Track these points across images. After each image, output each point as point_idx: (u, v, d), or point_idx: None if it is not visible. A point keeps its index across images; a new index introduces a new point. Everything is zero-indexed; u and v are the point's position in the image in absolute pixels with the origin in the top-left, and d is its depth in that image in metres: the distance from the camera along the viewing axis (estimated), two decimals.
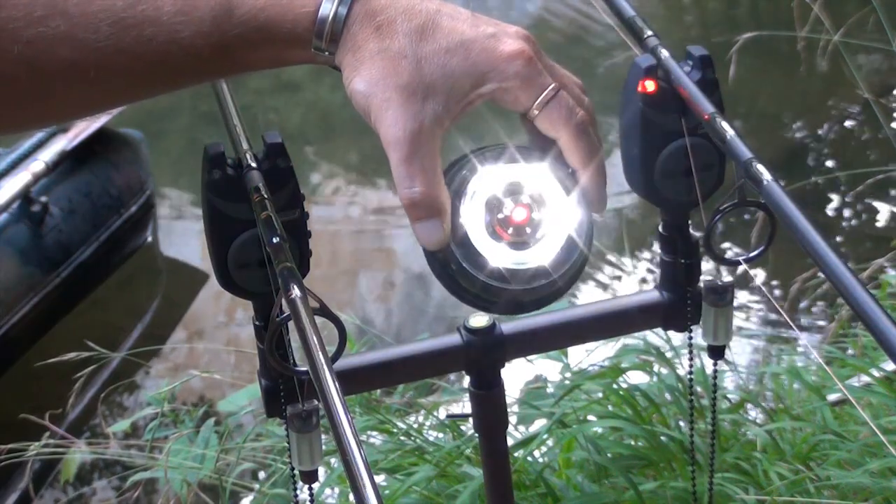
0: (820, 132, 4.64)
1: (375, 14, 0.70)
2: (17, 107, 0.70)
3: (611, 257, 3.76)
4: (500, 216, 0.75)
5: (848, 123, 4.61)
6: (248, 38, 0.69)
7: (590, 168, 0.75)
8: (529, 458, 1.86)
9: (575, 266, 0.77)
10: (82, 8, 0.66)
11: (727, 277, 0.91)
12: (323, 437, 0.87)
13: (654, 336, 2.07)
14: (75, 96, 0.70)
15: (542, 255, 0.75)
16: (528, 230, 0.75)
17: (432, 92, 0.70)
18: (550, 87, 0.72)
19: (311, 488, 0.90)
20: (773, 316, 3.45)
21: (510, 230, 0.75)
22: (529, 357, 1.97)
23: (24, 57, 0.66)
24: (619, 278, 3.75)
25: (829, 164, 4.42)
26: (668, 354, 1.99)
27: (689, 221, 0.91)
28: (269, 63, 0.71)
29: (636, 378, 2.03)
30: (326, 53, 0.70)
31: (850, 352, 2.24)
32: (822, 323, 3.27)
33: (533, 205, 0.75)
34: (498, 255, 0.75)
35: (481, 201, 0.75)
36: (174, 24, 0.67)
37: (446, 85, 0.70)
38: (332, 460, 1.94)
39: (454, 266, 0.76)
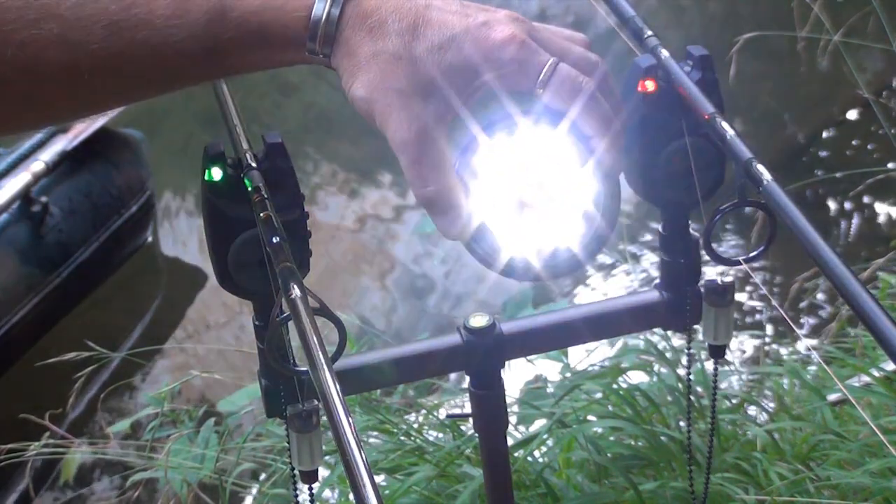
0: (820, 132, 4.64)
1: (367, 16, 0.70)
2: (12, 109, 0.70)
3: (610, 257, 3.76)
4: (519, 190, 0.75)
5: (848, 123, 4.61)
6: (241, 42, 0.69)
7: (604, 129, 0.74)
8: (529, 458, 1.86)
9: (598, 234, 0.77)
10: (76, 11, 0.66)
11: (727, 277, 0.91)
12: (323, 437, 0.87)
13: (655, 336, 2.07)
14: (70, 98, 0.70)
15: (562, 225, 0.75)
16: (546, 201, 0.75)
17: (431, 91, 0.70)
18: (548, 65, 0.71)
19: (311, 488, 0.90)
20: (773, 316, 3.45)
21: (528, 204, 0.75)
22: (529, 357, 1.97)
23: (18, 60, 0.66)
24: (618, 273, 3.75)
25: (829, 164, 4.42)
26: (668, 354, 1.99)
27: (689, 221, 0.91)
28: (264, 65, 0.72)
29: (636, 378, 2.03)
30: (321, 56, 0.70)
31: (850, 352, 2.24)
32: (822, 323, 3.27)
33: (549, 176, 0.75)
34: (518, 232, 0.75)
35: (498, 178, 0.75)
36: (167, 28, 0.68)
37: (444, 81, 0.70)
38: (332, 460, 1.93)
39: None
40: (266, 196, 0.75)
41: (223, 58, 0.70)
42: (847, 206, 4.02)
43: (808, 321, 3.36)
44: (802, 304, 3.25)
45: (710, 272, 0.94)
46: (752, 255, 0.80)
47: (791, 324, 3.15)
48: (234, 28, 0.69)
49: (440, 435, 2.04)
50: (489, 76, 0.71)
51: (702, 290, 0.92)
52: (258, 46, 0.70)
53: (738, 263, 0.80)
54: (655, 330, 1.88)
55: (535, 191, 0.75)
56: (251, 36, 0.69)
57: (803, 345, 2.98)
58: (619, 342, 2.12)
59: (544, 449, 1.91)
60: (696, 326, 0.95)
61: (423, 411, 2.14)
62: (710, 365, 1.87)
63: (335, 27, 0.69)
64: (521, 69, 0.71)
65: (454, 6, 0.71)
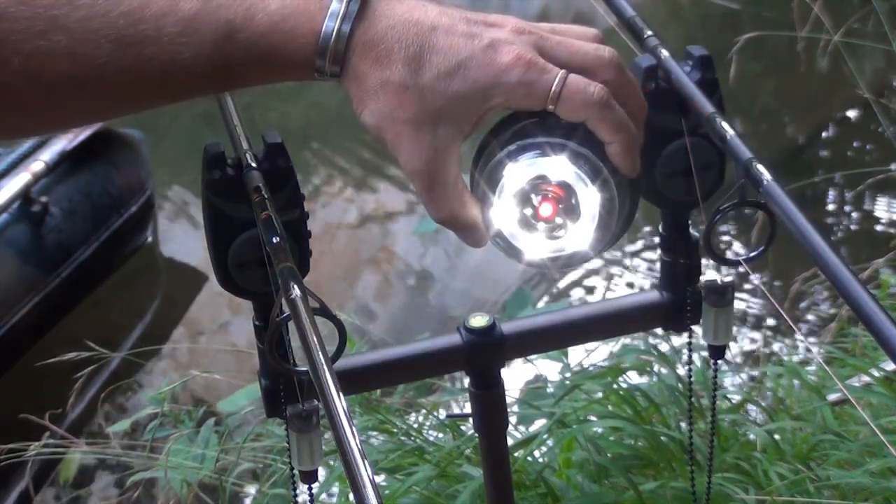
0: (820, 132, 4.65)
1: (374, 45, 0.70)
2: (17, 115, 0.70)
3: (610, 258, 3.76)
4: (533, 205, 0.75)
5: (848, 123, 4.61)
6: (249, 62, 0.70)
7: (619, 136, 0.73)
8: (529, 458, 1.86)
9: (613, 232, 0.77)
10: (84, 24, 0.67)
11: (727, 277, 0.91)
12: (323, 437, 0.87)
13: (655, 336, 2.07)
14: (75, 108, 0.71)
15: (578, 238, 0.76)
16: (561, 216, 0.75)
17: (440, 118, 0.70)
18: (556, 81, 0.71)
19: (311, 488, 0.90)
20: (773, 316, 3.45)
21: (543, 220, 0.75)
22: (529, 357, 1.97)
23: (24, 69, 0.67)
24: (620, 275, 3.75)
25: (829, 164, 4.43)
26: (668, 354, 1.99)
27: (690, 221, 0.91)
28: (271, 81, 0.72)
29: (636, 378, 2.03)
30: (328, 75, 0.71)
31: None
32: (822, 323, 3.27)
33: (563, 191, 0.75)
34: (534, 245, 0.76)
35: (511, 195, 0.75)
36: (175, 45, 0.68)
37: (452, 109, 0.70)
38: (332, 460, 1.93)
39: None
40: (266, 196, 0.75)
41: (230, 74, 0.70)
42: (847, 206, 4.03)
43: (808, 321, 3.37)
44: (802, 304, 3.25)
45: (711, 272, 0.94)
46: (752, 255, 0.80)
47: (791, 324, 3.15)
48: (243, 49, 0.69)
49: (440, 435, 2.04)
50: (497, 100, 0.71)
51: (702, 290, 0.92)
52: (265, 66, 0.70)
53: (738, 263, 0.80)
54: (655, 330, 1.88)
55: (551, 202, 0.75)
56: (260, 57, 0.69)
57: (803, 345, 2.98)
58: (619, 342, 2.12)
59: (544, 449, 1.91)
60: (695, 327, 0.95)
61: (423, 411, 2.14)
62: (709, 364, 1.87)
63: (345, 46, 0.70)
64: (529, 91, 0.71)
65: (461, 26, 0.71)
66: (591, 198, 0.75)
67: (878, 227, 3.96)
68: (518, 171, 0.75)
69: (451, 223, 0.74)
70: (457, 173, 0.72)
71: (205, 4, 0.68)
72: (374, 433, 1.98)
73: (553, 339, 1.00)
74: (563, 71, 0.71)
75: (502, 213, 0.75)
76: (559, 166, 0.75)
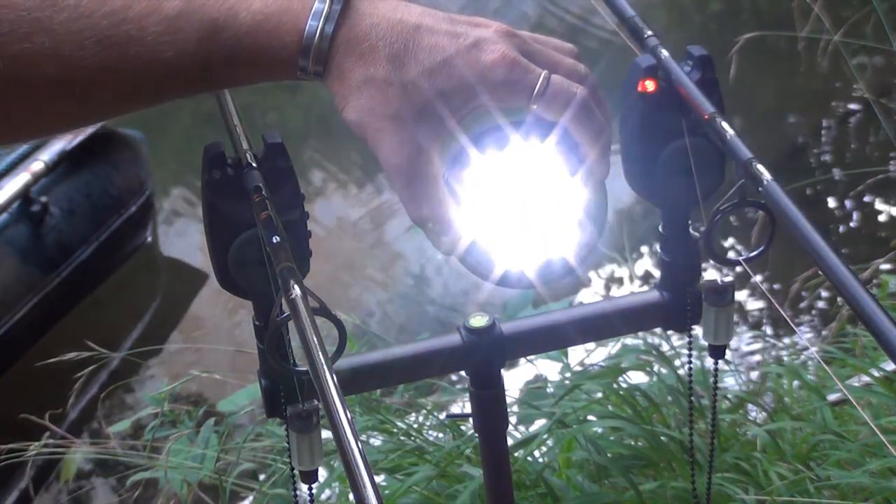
0: (820, 132, 4.64)
1: (358, 42, 0.70)
2: (4, 120, 0.70)
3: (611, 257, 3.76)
4: (510, 201, 0.75)
5: (848, 123, 4.61)
6: (233, 60, 0.70)
7: (596, 137, 0.74)
8: (529, 458, 1.86)
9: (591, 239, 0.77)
10: (67, 26, 0.67)
11: (728, 277, 0.91)
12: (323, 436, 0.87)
13: (655, 336, 2.07)
14: (61, 111, 0.71)
15: (554, 234, 0.76)
16: (538, 212, 0.75)
17: (423, 115, 0.70)
18: (540, 80, 0.72)
19: (311, 488, 0.91)
20: (773, 316, 3.45)
21: (520, 215, 0.75)
22: (529, 357, 1.97)
23: (9, 72, 0.67)
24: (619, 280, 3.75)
25: (829, 164, 4.42)
26: (669, 354, 1.99)
27: (690, 221, 0.91)
28: (255, 81, 0.72)
29: (636, 378, 2.03)
30: (312, 74, 0.71)
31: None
32: (822, 323, 3.27)
33: (540, 186, 0.75)
34: (511, 243, 0.76)
35: (489, 190, 0.75)
36: (159, 45, 0.68)
37: (435, 106, 0.71)
38: (335, 463, 1.93)
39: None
40: (266, 196, 0.75)
41: (214, 74, 0.70)
42: (847, 206, 4.02)
43: (809, 321, 3.36)
44: (802, 305, 3.25)
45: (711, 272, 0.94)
46: (751, 255, 0.80)
47: (791, 324, 3.15)
48: (227, 48, 0.69)
49: (440, 435, 2.04)
50: (481, 98, 0.71)
51: (702, 290, 0.92)
52: (250, 65, 0.70)
53: (738, 263, 0.80)
54: (655, 330, 1.88)
55: (527, 202, 0.75)
56: (243, 55, 0.70)
57: (803, 345, 2.98)
58: (619, 342, 2.12)
59: (544, 449, 1.91)
60: (695, 326, 0.95)
61: (423, 411, 2.14)
62: (709, 364, 1.87)
63: (328, 45, 0.70)
64: (513, 89, 0.71)
65: (444, 25, 0.71)
66: (567, 193, 0.75)
67: (878, 227, 3.96)
68: (493, 164, 0.75)
69: (428, 222, 0.73)
70: (437, 172, 0.72)
71: (188, 4, 0.68)
72: (374, 433, 1.98)
73: (553, 339, 1.00)
74: (546, 71, 0.72)
75: (475, 211, 0.75)
76: (536, 158, 0.75)
